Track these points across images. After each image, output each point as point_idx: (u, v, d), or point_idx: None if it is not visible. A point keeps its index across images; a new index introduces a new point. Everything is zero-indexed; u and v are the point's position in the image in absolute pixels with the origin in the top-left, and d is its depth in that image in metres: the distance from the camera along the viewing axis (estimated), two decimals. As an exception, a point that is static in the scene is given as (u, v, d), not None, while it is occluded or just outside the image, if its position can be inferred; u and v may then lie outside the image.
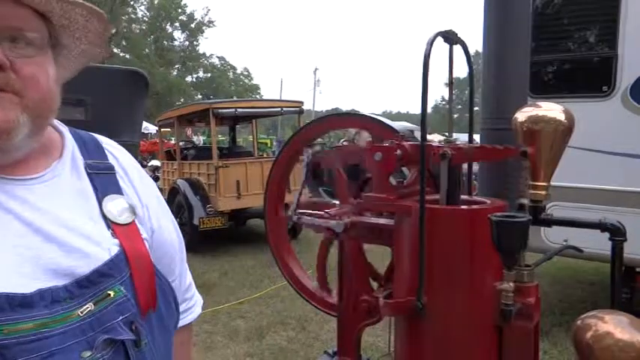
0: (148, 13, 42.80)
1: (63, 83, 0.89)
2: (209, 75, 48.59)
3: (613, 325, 0.84)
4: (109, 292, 0.78)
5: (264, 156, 11.06)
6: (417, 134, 1.22)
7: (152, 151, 16.08)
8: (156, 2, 42.36)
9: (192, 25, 44.74)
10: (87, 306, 0.76)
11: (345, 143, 1.82)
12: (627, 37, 3.96)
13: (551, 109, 1.09)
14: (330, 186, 1.56)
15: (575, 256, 4.45)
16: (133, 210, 0.88)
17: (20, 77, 0.75)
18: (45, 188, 0.81)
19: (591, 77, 4.24)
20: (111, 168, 0.91)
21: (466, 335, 1.13)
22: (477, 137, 1.90)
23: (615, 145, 4.01)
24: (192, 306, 1.09)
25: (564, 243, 1.27)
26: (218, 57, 50.23)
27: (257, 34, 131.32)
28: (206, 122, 9.33)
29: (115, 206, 0.86)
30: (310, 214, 1.44)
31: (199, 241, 7.55)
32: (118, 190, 0.89)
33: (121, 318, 0.78)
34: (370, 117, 1.61)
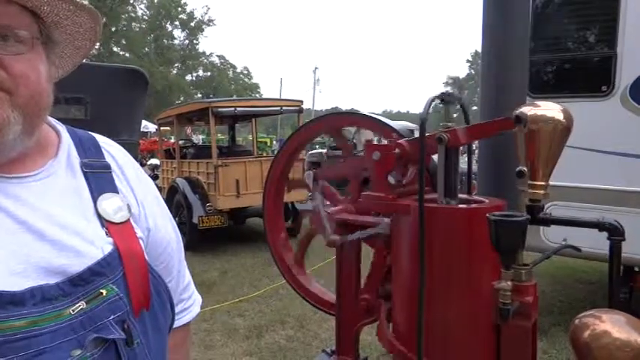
0: (147, 12, 42.82)
1: (62, 82, 0.89)
2: (209, 74, 48.60)
3: (610, 324, 0.84)
4: (101, 290, 0.78)
5: (264, 155, 11.05)
6: (417, 134, 1.23)
7: (151, 150, 16.09)
8: (156, 1, 42.37)
9: (192, 24, 44.77)
10: (79, 304, 0.76)
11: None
12: (627, 37, 3.96)
13: (550, 109, 1.08)
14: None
15: (573, 256, 4.46)
16: (128, 209, 0.88)
17: (10, 75, 0.74)
18: (39, 186, 0.81)
19: (590, 77, 4.24)
20: (107, 167, 0.91)
21: (464, 334, 1.13)
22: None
23: (614, 144, 4.00)
24: (190, 305, 1.09)
25: (563, 242, 1.27)
26: (218, 56, 50.28)
27: (257, 33, 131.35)
28: (205, 121, 9.32)
29: (109, 205, 0.86)
30: (352, 231, 1.41)
31: (198, 240, 7.56)
32: (114, 189, 0.89)
33: (112, 317, 0.78)
34: (370, 116, 1.62)
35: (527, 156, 1.10)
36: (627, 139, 3.96)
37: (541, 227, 1.28)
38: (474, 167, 1.71)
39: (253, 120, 10.64)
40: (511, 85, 2.15)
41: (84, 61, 0.94)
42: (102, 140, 0.96)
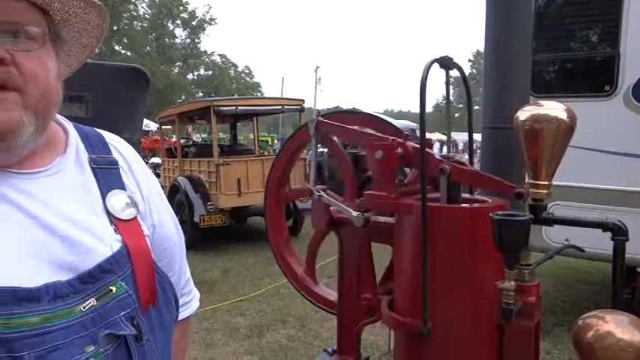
0: (149, 11, 42.81)
1: (64, 80, 0.89)
2: (210, 73, 48.59)
3: (614, 325, 0.83)
4: (111, 287, 0.79)
5: (265, 154, 11.05)
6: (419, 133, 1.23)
7: (153, 149, 16.09)
8: (157, 0, 42.36)
9: (194, 23, 44.77)
10: (89, 301, 0.76)
11: None
12: (629, 36, 3.95)
13: (553, 108, 1.08)
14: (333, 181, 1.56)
15: (576, 256, 4.45)
16: (135, 206, 0.88)
17: (21, 73, 0.75)
18: (49, 182, 0.81)
19: (593, 76, 4.23)
20: (114, 163, 0.91)
21: (467, 334, 1.13)
22: (477, 136, 1.90)
23: (616, 144, 3.99)
24: (189, 300, 1.10)
25: (566, 242, 1.26)
26: (219, 55, 50.21)
27: (258, 32, 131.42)
28: (207, 120, 9.33)
29: (117, 201, 0.86)
30: (332, 196, 1.43)
31: (200, 239, 7.56)
32: (121, 186, 0.89)
33: (122, 313, 0.79)
34: (372, 115, 1.62)
35: (530, 155, 1.09)
36: (630, 139, 3.95)
37: (543, 227, 1.27)
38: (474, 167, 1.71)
39: (255, 119, 10.64)
40: (513, 84, 2.14)
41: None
42: (109, 137, 0.97)
